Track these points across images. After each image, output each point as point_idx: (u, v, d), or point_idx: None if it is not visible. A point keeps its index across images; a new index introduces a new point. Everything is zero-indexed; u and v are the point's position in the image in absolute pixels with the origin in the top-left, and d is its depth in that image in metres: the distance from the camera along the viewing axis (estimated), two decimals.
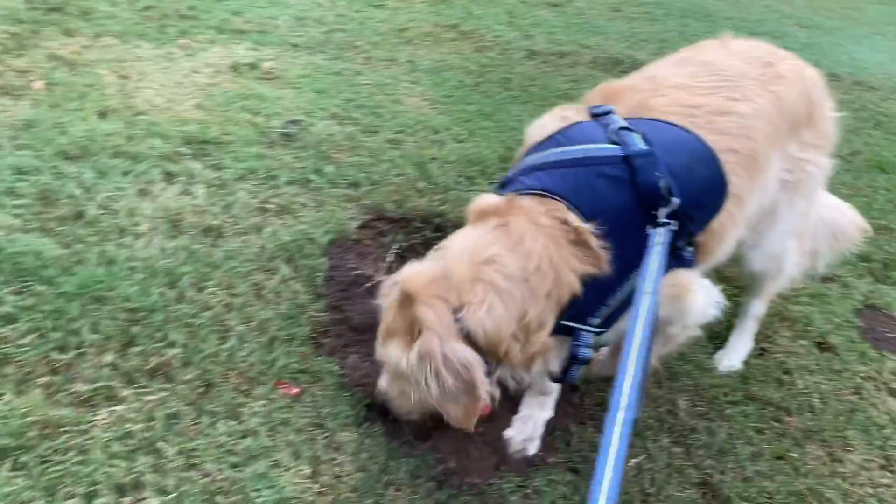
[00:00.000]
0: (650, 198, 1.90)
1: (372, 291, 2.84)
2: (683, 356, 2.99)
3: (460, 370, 1.79)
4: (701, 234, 2.12)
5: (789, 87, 2.32)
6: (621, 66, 5.74)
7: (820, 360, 3.10)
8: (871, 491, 2.56)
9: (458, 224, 3.29)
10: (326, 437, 2.31)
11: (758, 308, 3.00)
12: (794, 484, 2.52)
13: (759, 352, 3.07)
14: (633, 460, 2.49)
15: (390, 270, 2.95)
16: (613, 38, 6.29)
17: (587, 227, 1.85)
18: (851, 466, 2.64)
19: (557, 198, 1.89)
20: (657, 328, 1.93)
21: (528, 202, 1.91)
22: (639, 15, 7.29)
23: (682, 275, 2.08)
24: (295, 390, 2.42)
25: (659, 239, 1.87)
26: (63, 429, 2.09)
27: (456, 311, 1.81)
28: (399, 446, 2.36)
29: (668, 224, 1.90)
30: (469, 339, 1.82)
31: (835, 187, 4.60)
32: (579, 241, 1.87)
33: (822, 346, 3.19)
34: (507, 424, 2.51)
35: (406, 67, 4.78)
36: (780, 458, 2.61)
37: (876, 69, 7.40)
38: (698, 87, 2.19)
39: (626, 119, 2.04)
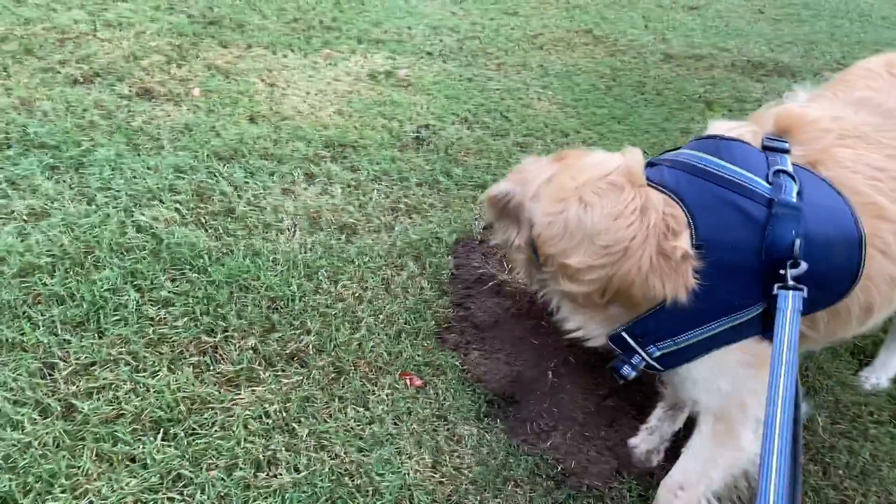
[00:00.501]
0: (777, 252, 1.72)
1: (495, 290, 2.90)
2: (823, 370, 2.84)
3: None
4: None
5: None
6: (763, 70, 5.51)
7: None
8: None
9: None
10: (448, 429, 2.37)
11: None
12: None
13: None
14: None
15: (513, 272, 2.99)
16: (755, 41, 6.04)
17: (688, 251, 1.75)
18: None
19: (682, 206, 1.81)
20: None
21: (655, 195, 1.83)
22: (784, 16, 6.95)
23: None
24: (418, 382, 2.49)
25: (791, 304, 1.65)
26: (209, 405, 2.26)
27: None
28: (519, 444, 2.39)
29: (800, 289, 1.68)
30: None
31: None
32: (673, 258, 1.77)
33: None
34: (632, 432, 2.48)
35: (537, 72, 4.81)
36: None
37: None
38: (885, 143, 1.97)
39: (794, 165, 1.88)
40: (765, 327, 1.83)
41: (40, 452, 2.03)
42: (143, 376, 2.30)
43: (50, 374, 2.26)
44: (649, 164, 1.99)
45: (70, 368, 2.27)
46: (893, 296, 1.93)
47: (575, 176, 1.95)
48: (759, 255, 1.74)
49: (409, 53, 4.75)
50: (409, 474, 2.19)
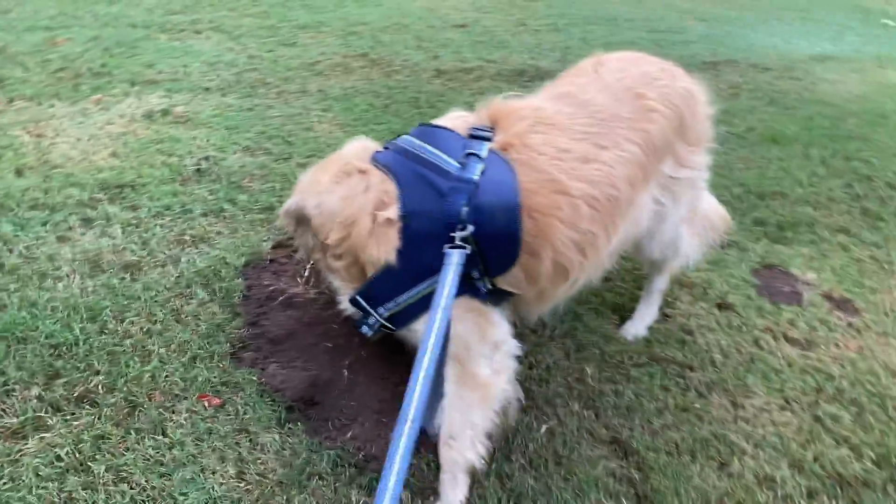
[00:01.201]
0: (451, 219, 2.08)
1: (287, 304, 3.01)
2: (590, 328, 3.19)
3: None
4: (504, 277, 2.25)
5: (660, 120, 2.44)
6: (525, 76, 6.04)
7: (720, 319, 3.32)
8: (772, 430, 2.77)
9: None
10: (250, 440, 2.44)
11: (661, 283, 3.20)
12: (700, 432, 2.71)
13: (662, 317, 3.29)
14: (544, 426, 2.67)
15: (308, 283, 3.12)
16: (517, 51, 6.60)
17: (392, 218, 2.13)
18: (752, 410, 2.84)
19: (395, 183, 2.17)
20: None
21: (376, 176, 2.21)
22: (543, 27, 7.64)
23: (491, 312, 2.30)
24: (217, 401, 2.55)
25: (453, 259, 2.00)
26: None
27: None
28: (321, 441, 2.50)
29: (463, 248, 2.04)
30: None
31: (732, 161, 4.93)
32: (381, 225, 2.15)
33: (722, 306, 3.42)
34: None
35: (317, 97, 4.99)
36: (684, 409, 2.81)
37: (771, 52, 7.83)
38: (572, 129, 2.30)
39: (490, 150, 2.21)
40: (468, 288, 2.20)
41: None
42: None
43: None
44: (386, 147, 2.35)
45: None
46: (585, 259, 2.30)
47: (326, 169, 2.32)
48: (443, 224, 2.09)
49: (185, 91, 4.76)
50: (214, 488, 2.25)
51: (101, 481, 2.20)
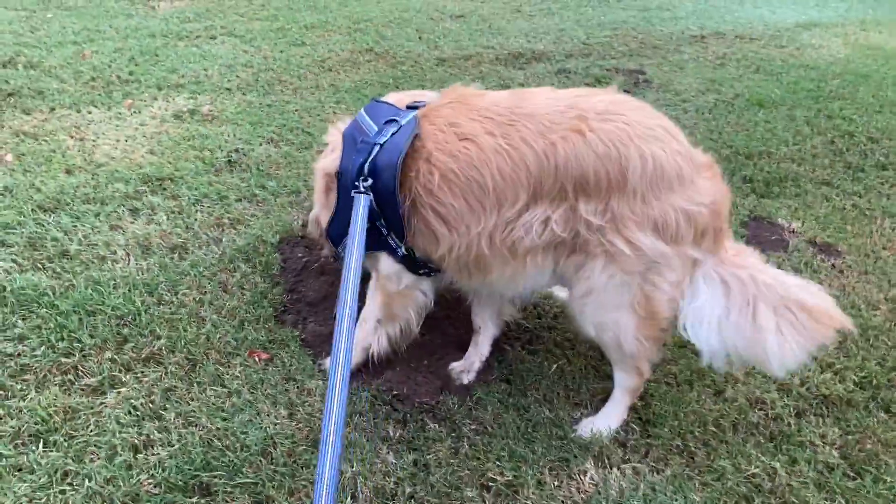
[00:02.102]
0: (353, 173, 2.41)
1: (320, 272, 3.32)
2: None
3: None
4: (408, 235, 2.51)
5: (580, 148, 2.24)
6: (523, 59, 6.31)
7: None
8: None
9: None
10: (297, 386, 2.76)
11: (620, 378, 2.70)
12: (695, 364, 2.99)
13: None
14: (554, 365, 2.97)
15: (324, 257, 3.43)
16: (514, 36, 6.86)
17: (325, 169, 2.65)
18: None
19: (341, 147, 2.54)
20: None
21: (338, 141, 2.60)
22: (538, 11, 7.89)
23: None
24: (265, 355, 2.87)
25: (361, 202, 2.33)
26: (80, 412, 2.52)
27: None
28: (358, 385, 2.82)
29: (365, 193, 2.37)
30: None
31: (720, 126, 5.20)
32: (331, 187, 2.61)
33: None
34: (450, 360, 3.00)
35: (329, 91, 5.29)
36: (682, 346, 3.08)
37: (756, 22, 8.05)
38: (483, 113, 2.37)
39: (414, 118, 2.45)
40: (383, 245, 2.58)
41: None
42: (14, 401, 2.53)
43: None
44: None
45: None
46: (450, 233, 2.43)
47: None
48: (351, 176, 2.43)
49: (208, 92, 5.07)
50: (269, 427, 2.57)
51: (172, 426, 2.53)
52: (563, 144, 2.25)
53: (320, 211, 2.79)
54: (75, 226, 3.42)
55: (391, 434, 2.63)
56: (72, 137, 4.23)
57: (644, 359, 2.60)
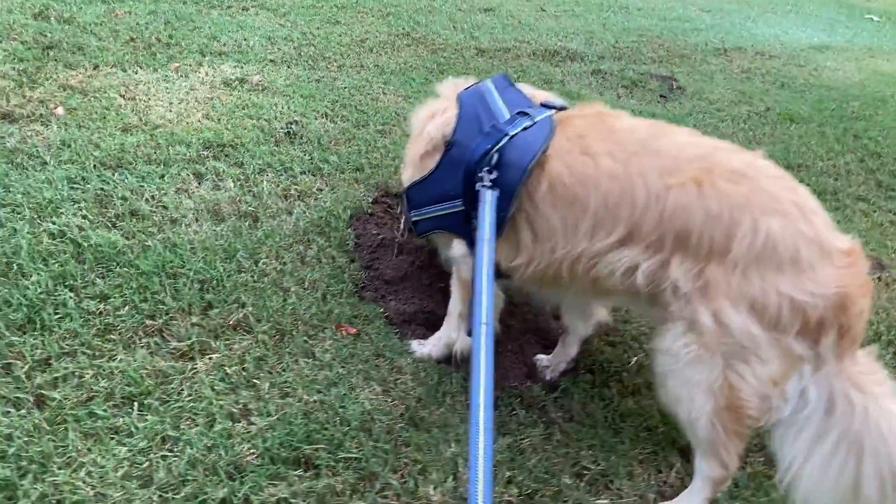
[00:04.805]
0: (473, 157, 2.27)
1: (397, 251, 3.24)
2: None
3: None
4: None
5: (696, 200, 2.01)
6: (558, 57, 6.29)
7: None
8: None
9: None
10: (388, 363, 2.67)
11: (702, 466, 2.27)
12: None
13: None
14: (633, 359, 2.94)
15: (403, 236, 3.35)
16: (545, 34, 6.83)
17: (440, 144, 2.43)
18: None
19: (457, 114, 2.43)
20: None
21: (452, 106, 2.48)
22: (562, 13, 7.87)
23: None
24: (353, 330, 2.78)
25: (489, 197, 2.19)
26: (171, 377, 2.40)
27: None
28: (447, 368, 2.75)
29: (491, 188, 2.20)
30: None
31: (758, 137, 5.24)
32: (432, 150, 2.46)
33: None
34: (537, 349, 2.97)
35: (374, 71, 5.18)
36: None
37: (773, 41, 8.16)
38: (617, 136, 2.22)
39: (548, 118, 2.33)
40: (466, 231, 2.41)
41: (25, 439, 2.09)
42: (102, 361, 2.40)
43: (9, 373, 2.29)
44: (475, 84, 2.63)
45: (27, 365, 2.32)
46: (532, 243, 2.29)
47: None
48: (469, 157, 2.30)
49: (253, 62, 4.91)
50: (366, 403, 2.48)
51: (268, 395, 2.42)
52: (678, 192, 2.03)
53: (409, 167, 2.61)
54: (141, 186, 3.27)
55: None
56: (122, 96, 4.05)
57: (726, 449, 2.16)
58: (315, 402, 2.44)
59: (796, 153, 5.04)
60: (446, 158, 2.40)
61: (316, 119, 4.21)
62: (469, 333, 1.85)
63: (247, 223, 3.19)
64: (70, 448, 2.10)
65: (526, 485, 2.35)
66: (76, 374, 2.33)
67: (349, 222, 3.35)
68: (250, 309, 2.73)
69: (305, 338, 2.68)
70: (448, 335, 2.75)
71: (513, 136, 2.26)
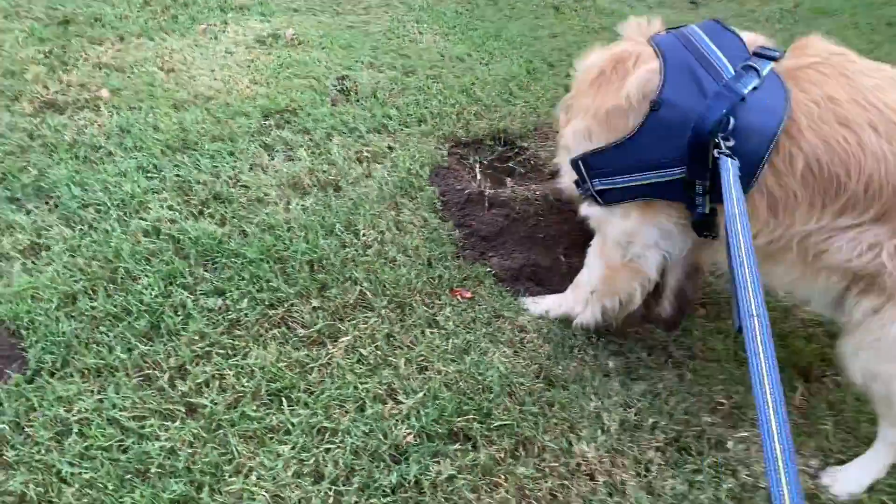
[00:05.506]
0: (703, 122, 1.94)
1: (487, 205, 3.15)
2: None
3: None
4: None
5: None
6: None
7: None
8: None
9: (522, 136, 3.62)
10: (510, 323, 2.64)
11: (886, 431, 2.26)
12: None
13: None
14: None
15: (482, 186, 3.26)
16: None
17: (636, 95, 2.06)
18: None
19: (662, 67, 2.05)
20: None
21: (647, 51, 2.13)
22: None
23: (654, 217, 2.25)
24: (468, 294, 2.73)
25: (730, 167, 1.84)
26: (309, 366, 2.35)
27: None
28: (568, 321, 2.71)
29: (731, 156, 1.88)
30: None
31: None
32: (626, 109, 2.10)
33: None
34: None
35: (403, 10, 4.95)
36: None
37: None
38: (875, 109, 1.91)
39: (772, 70, 1.99)
40: (684, 197, 2.13)
41: (189, 451, 2.06)
42: (238, 360, 2.35)
43: (151, 384, 2.24)
44: (668, 30, 2.25)
45: (167, 374, 2.27)
46: (772, 220, 2.04)
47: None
48: (695, 121, 1.96)
49: (278, 14, 4.66)
50: (500, 367, 2.45)
51: (406, 372, 2.39)
52: None
53: (584, 128, 2.23)
54: (215, 166, 3.13)
55: (611, 366, 2.56)
56: (160, 69, 3.84)
57: None
58: (453, 372, 2.41)
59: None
60: (654, 121, 2.04)
61: (363, 71, 4.02)
62: (738, 330, 1.50)
63: (331, 193, 3.08)
64: (235, 454, 2.08)
65: (670, 429, 2.36)
66: (216, 376, 2.29)
67: (430, 179, 3.25)
68: (365, 285, 2.66)
69: (424, 307, 2.63)
70: (570, 306, 2.65)
71: (744, 98, 1.95)
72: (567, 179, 2.45)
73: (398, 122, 3.59)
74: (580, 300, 2.61)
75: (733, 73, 1.99)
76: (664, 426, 2.37)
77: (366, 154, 3.35)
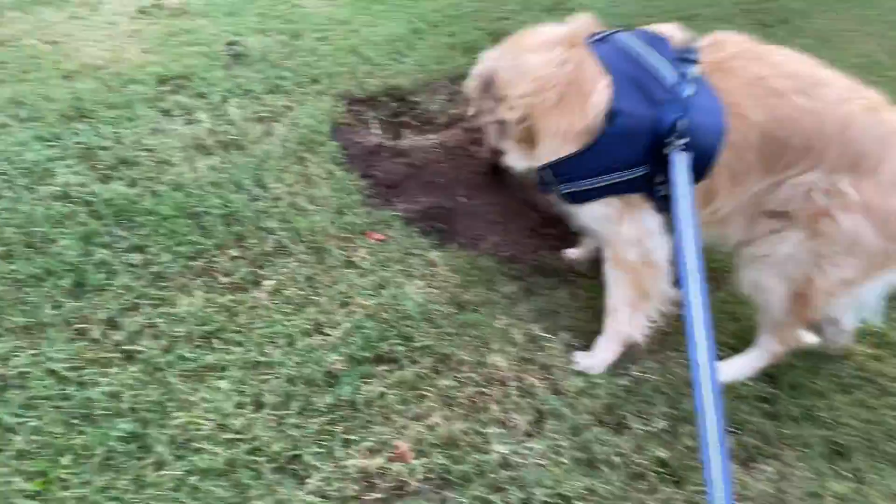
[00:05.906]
0: (659, 126, 2.14)
1: (388, 156, 3.34)
2: None
3: None
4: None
5: (873, 124, 2.15)
6: None
7: None
8: None
9: (413, 91, 3.82)
10: (421, 259, 2.85)
11: (764, 339, 2.56)
12: None
13: None
14: None
15: (381, 139, 3.45)
16: None
17: (599, 114, 2.20)
18: None
19: (609, 79, 2.21)
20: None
21: (589, 60, 2.28)
22: None
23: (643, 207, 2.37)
24: (380, 236, 2.92)
25: (683, 161, 2.07)
26: (236, 309, 2.49)
27: None
28: (477, 255, 2.94)
29: (685, 150, 2.09)
30: None
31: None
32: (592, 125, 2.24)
33: None
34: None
35: None
36: None
37: None
38: (779, 65, 2.22)
39: (698, 73, 2.19)
40: (645, 187, 2.31)
41: (131, 394, 2.16)
42: (167, 308, 2.44)
43: (86, 336, 2.31)
44: (601, 38, 2.38)
45: (99, 327, 2.34)
46: (731, 189, 2.27)
47: (527, 38, 2.44)
48: (651, 127, 2.16)
49: None
50: (416, 297, 2.66)
51: (332, 307, 2.56)
52: (862, 116, 2.15)
53: (555, 148, 2.34)
54: (116, 132, 3.14)
55: (514, 289, 2.83)
56: (42, 42, 3.75)
57: (788, 330, 2.49)
58: (374, 305, 2.60)
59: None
60: (614, 129, 2.21)
61: (251, 36, 4.08)
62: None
63: (236, 152, 3.17)
64: (177, 392, 2.19)
65: (567, 335, 2.65)
66: (148, 325, 2.38)
67: (331, 135, 3.40)
68: (281, 233, 2.80)
69: (340, 251, 2.80)
70: (619, 332, 2.57)
71: (688, 101, 2.15)
72: (512, 160, 2.59)
73: (292, 83, 3.71)
74: (624, 321, 2.56)
75: (675, 79, 2.19)
76: (562, 336, 2.66)
77: (264, 114, 3.45)
